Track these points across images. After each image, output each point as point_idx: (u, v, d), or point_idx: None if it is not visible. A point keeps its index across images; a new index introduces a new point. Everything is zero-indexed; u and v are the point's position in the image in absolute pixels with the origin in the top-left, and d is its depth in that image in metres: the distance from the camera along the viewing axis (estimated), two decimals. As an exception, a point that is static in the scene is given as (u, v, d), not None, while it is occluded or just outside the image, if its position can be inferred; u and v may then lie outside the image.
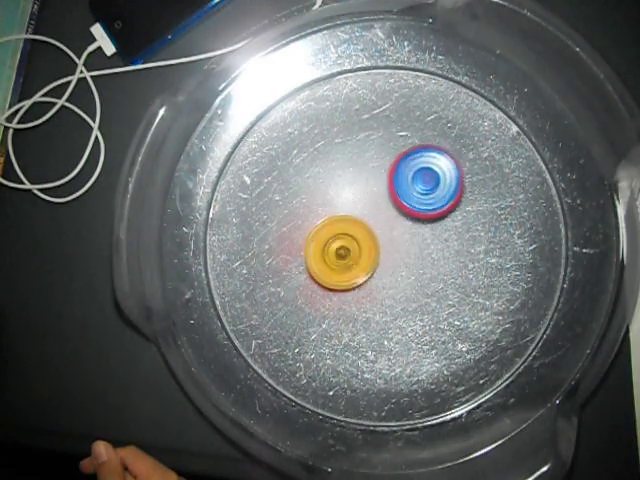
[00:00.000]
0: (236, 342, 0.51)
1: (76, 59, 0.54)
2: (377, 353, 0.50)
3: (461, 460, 0.48)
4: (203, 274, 0.51)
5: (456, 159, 0.48)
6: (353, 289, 0.50)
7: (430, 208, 0.48)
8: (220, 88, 0.51)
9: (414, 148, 0.48)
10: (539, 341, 0.50)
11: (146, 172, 0.48)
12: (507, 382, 0.50)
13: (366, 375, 0.50)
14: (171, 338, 0.50)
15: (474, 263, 0.50)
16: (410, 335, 0.50)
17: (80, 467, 0.48)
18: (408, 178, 0.48)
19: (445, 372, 0.50)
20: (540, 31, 0.47)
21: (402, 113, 0.51)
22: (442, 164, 0.48)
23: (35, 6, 0.55)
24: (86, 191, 0.54)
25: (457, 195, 0.47)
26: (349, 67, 0.51)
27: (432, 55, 0.50)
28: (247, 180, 0.51)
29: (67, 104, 0.54)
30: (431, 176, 0.47)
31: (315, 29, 0.51)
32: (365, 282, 0.50)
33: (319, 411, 0.50)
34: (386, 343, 0.50)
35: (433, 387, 0.50)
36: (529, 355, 0.50)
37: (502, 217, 0.50)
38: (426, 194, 0.48)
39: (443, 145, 0.50)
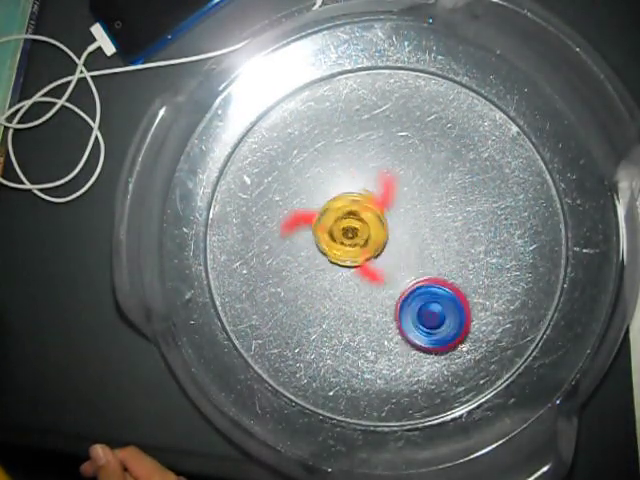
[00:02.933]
0: (236, 342, 0.51)
1: (76, 59, 0.54)
2: (377, 353, 0.50)
3: (461, 460, 0.48)
4: (203, 274, 0.51)
5: (462, 294, 0.49)
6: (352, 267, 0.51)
7: (434, 345, 0.49)
8: (220, 88, 0.51)
9: (419, 284, 0.49)
10: (539, 341, 0.50)
11: (146, 172, 0.48)
12: (507, 382, 0.50)
13: (366, 375, 0.50)
14: (171, 338, 0.50)
15: (474, 263, 0.50)
16: (410, 335, 0.50)
17: (81, 471, 0.48)
18: (413, 315, 0.49)
19: (445, 372, 0.50)
20: (540, 31, 0.47)
21: (402, 113, 0.51)
22: (446, 302, 0.48)
23: (35, 6, 0.55)
24: (86, 191, 0.54)
25: (461, 334, 0.48)
26: (349, 67, 0.51)
27: (432, 55, 0.50)
28: (247, 180, 0.51)
29: (67, 104, 0.54)
30: (435, 315, 0.49)
31: (315, 29, 0.51)
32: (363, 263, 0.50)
33: (319, 411, 0.50)
34: (386, 343, 0.50)
35: (433, 387, 0.50)
36: (529, 355, 0.50)
37: (502, 217, 0.50)
38: (430, 331, 0.49)
39: (444, 144, 0.50)
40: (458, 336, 0.48)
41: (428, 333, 0.49)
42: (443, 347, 0.49)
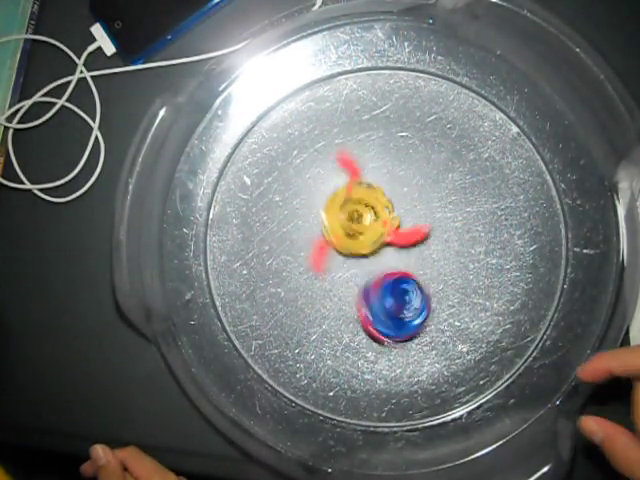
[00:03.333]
0: (236, 343, 0.51)
1: (76, 59, 0.54)
2: (377, 354, 0.50)
3: (461, 461, 0.48)
4: (203, 275, 0.51)
5: (426, 289, 0.48)
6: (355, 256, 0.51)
7: (396, 334, 0.48)
8: (220, 89, 0.51)
9: (388, 276, 0.48)
10: (539, 342, 0.50)
11: (146, 172, 0.48)
12: (507, 383, 0.50)
13: (366, 376, 0.50)
14: (171, 339, 0.50)
15: (474, 264, 0.50)
16: (410, 335, 0.50)
17: (81, 471, 0.48)
18: (379, 303, 0.48)
19: (445, 373, 0.50)
20: (540, 31, 0.47)
21: (402, 114, 0.51)
22: (412, 293, 0.48)
23: (35, 6, 0.55)
24: (86, 191, 0.54)
25: (420, 326, 0.48)
26: (349, 68, 0.51)
27: (432, 56, 0.50)
28: (247, 181, 0.51)
29: (67, 104, 0.54)
30: (402, 304, 0.48)
31: (315, 30, 0.51)
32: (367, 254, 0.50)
33: (319, 412, 0.50)
34: (386, 343, 0.50)
35: (433, 388, 0.50)
36: (529, 356, 0.50)
37: (502, 218, 0.50)
38: (395, 320, 0.48)
39: (444, 144, 0.50)
40: (420, 325, 0.48)
41: (392, 322, 0.48)
42: (404, 337, 0.49)
